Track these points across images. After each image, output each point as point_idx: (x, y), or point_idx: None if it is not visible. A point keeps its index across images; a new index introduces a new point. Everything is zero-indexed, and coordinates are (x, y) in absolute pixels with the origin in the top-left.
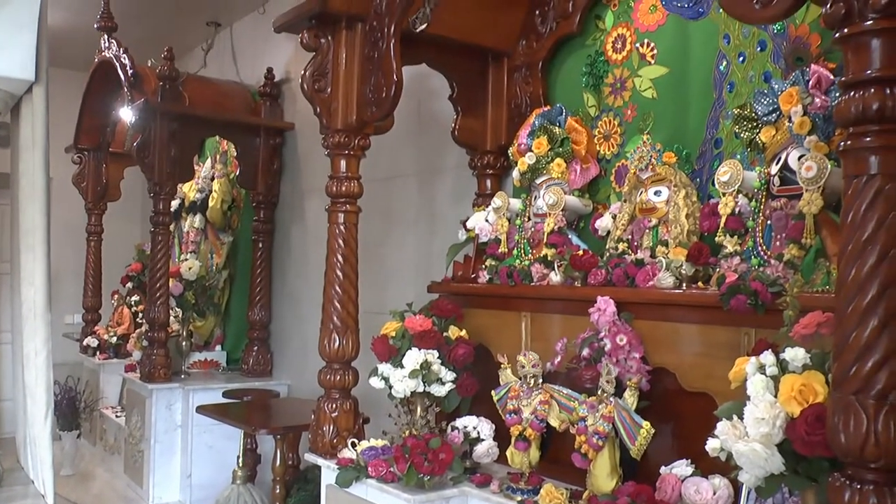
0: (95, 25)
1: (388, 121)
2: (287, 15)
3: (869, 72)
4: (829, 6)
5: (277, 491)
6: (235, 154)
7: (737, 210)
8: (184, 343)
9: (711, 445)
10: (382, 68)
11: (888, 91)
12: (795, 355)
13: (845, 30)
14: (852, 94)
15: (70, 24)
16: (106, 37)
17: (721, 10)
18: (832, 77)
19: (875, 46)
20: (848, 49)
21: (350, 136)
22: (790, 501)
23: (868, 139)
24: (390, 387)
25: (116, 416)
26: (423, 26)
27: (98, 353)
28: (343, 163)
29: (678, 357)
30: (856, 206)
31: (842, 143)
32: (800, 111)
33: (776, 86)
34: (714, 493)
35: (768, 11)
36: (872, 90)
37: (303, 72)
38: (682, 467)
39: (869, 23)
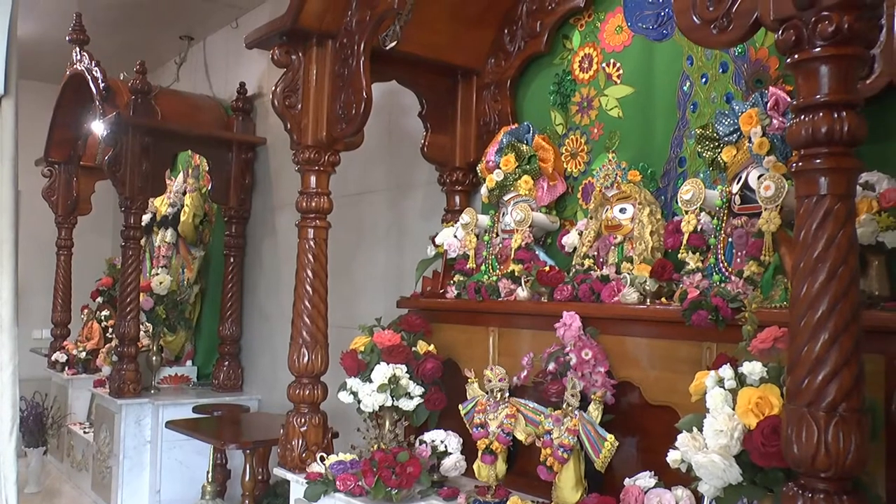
0: (67, 38)
1: (358, 137)
2: (259, 31)
3: (818, 96)
4: (780, 33)
5: None
6: (207, 168)
7: (699, 228)
8: (154, 358)
9: (672, 457)
10: (352, 85)
11: (836, 115)
12: (753, 369)
13: (796, 56)
14: (803, 117)
15: (41, 36)
16: (77, 49)
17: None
18: (789, 99)
19: (824, 72)
20: (799, 74)
21: (320, 151)
22: None
23: (818, 161)
24: (359, 401)
25: (84, 433)
26: (393, 44)
27: (67, 368)
28: (313, 178)
29: (642, 371)
30: (807, 225)
31: (794, 165)
32: (759, 132)
33: (737, 107)
34: None
35: (725, 36)
36: (821, 114)
37: (274, 88)
38: (646, 479)
39: (817, 50)
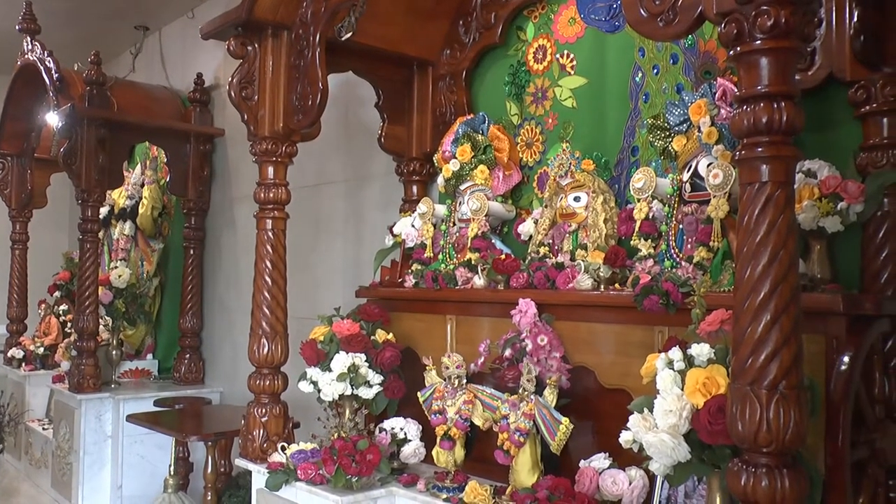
0: (17, 27)
1: (315, 128)
2: (214, 22)
3: (759, 87)
4: (723, 26)
5: (209, 498)
6: (166, 160)
7: (651, 215)
8: (114, 352)
9: (624, 438)
10: (308, 76)
11: (775, 106)
12: (700, 350)
13: (738, 48)
14: (745, 107)
15: None
16: (28, 39)
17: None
18: (736, 90)
19: (763, 64)
20: (740, 66)
21: (277, 143)
22: (700, 488)
23: (759, 150)
24: (319, 390)
25: (43, 429)
26: (349, 35)
27: (24, 364)
28: (271, 169)
29: (597, 356)
30: (749, 210)
31: (737, 154)
32: (708, 122)
33: (686, 97)
34: (630, 484)
35: (671, 29)
36: (762, 104)
37: (230, 79)
38: (600, 460)
39: (757, 42)
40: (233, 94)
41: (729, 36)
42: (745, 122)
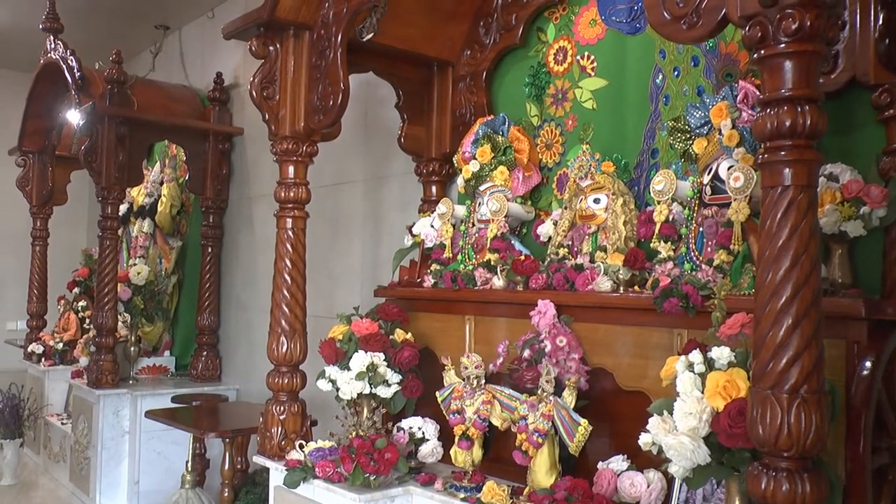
0: (40, 26)
1: (335, 128)
2: (236, 22)
3: (782, 91)
4: (747, 29)
5: (226, 494)
6: (184, 158)
7: (671, 217)
8: (132, 349)
9: (643, 440)
10: (329, 76)
11: (799, 109)
12: (721, 354)
13: (762, 51)
14: (768, 111)
15: (13, 24)
16: (51, 38)
17: None
18: (758, 93)
19: (787, 68)
20: (764, 69)
21: (298, 142)
22: (718, 491)
23: (782, 153)
24: (337, 389)
25: (62, 424)
26: (370, 36)
27: (43, 359)
28: (291, 169)
29: (615, 357)
30: (771, 214)
31: (759, 157)
32: (729, 124)
33: (707, 100)
34: (648, 486)
35: (694, 32)
36: (785, 108)
37: (251, 79)
38: (618, 462)
39: (782, 46)
40: (254, 93)
41: (752, 39)
42: (769, 126)
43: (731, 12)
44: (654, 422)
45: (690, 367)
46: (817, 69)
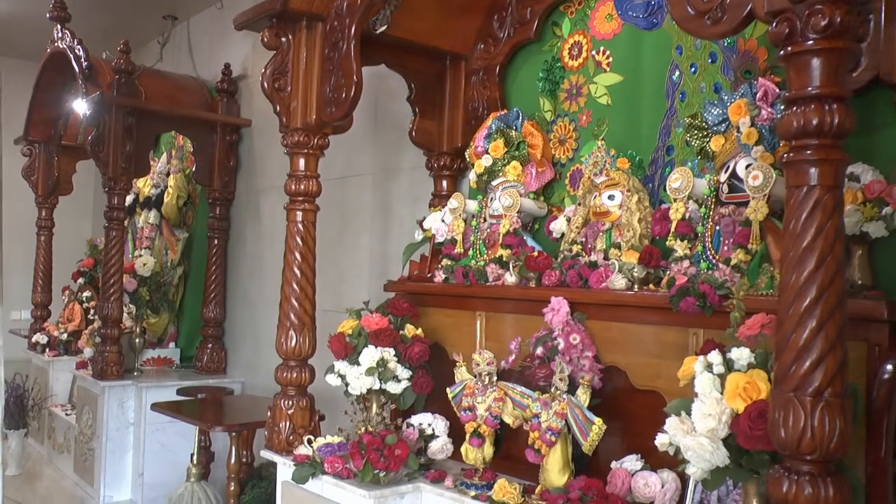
0: (48, 15)
1: (347, 121)
2: (247, 13)
3: (809, 89)
4: (774, 25)
5: (232, 488)
6: (192, 150)
7: (687, 215)
8: (137, 340)
9: (660, 440)
10: (342, 69)
11: (827, 108)
12: (741, 355)
13: (788, 48)
14: (794, 109)
15: (21, 12)
16: (59, 27)
17: (674, 22)
18: (778, 91)
19: (815, 65)
20: (790, 66)
21: (309, 134)
22: (734, 493)
23: (808, 152)
24: (347, 384)
25: (66, 415)
26: (384, 28)
27: (48, 349)
28: (302, 161)
29: (629, 356)
30: (796, 214)
31: (784, 156)
32: (747, 122)
33: (726, 97)
34: (662, 486)
35: (718, 28)
36: (813, 106)
37: (263, 70)
38: (632, 462)
39: (809, 42)
40: (265, 84)
41: (779, 35)
42: (794, 124)
43: (758, 8)
44: (671, 422)
45: (709, 367)
46: (846, 67)
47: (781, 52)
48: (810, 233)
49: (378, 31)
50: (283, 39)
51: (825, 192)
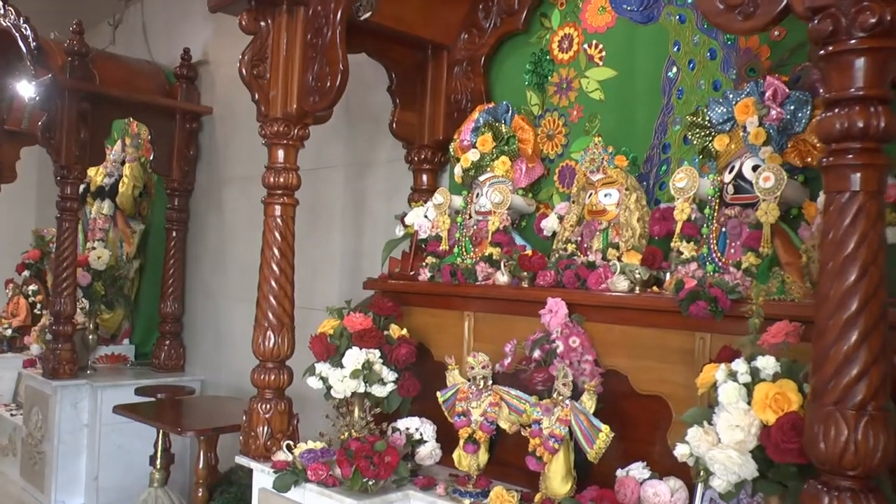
0: None
1: (329, 111)
2: None
3: (852, 90)
4: (816, 21)
5: (200, 494)
6: (149, 138)
7: (692, 216)
8: (90, 336)
9: (680, 451)
10: (327, 56)
11: (872, 110)
12: (767, 364)
13: (829, 47)
14: (836, 110)
15: None
16: (2, 3)
17: (672, 17)
18: (787, 91)
19: (859, 65)
20: (831, 66)
21: (289, 125)
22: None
23: (850, 156)
24: (329, 387)
25: (11, 415)
26: (367, 15)
27: None
28: (281, 153)
29: (630, 360)
30: (837, 222)
31: (824, 159)
32: (755, 122)
33: (731, 95)
34: (672, 496)
35: (749, 23)
36: (857, 108)
37: (241, 56)
38: (639, 470)
39: (854, 41)
40: (244, 71)
41: (821, 33)
42: (838, 126)
43: (796, 3)
44: (694, 433)
45: (733, 376)
46: (892, 68)
47: (821, 52)
48: (853, 241)
49: (361, 18)
50: (263, 24)
51: (868, 199)
